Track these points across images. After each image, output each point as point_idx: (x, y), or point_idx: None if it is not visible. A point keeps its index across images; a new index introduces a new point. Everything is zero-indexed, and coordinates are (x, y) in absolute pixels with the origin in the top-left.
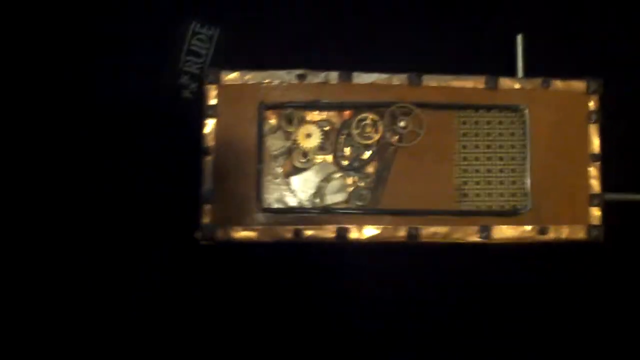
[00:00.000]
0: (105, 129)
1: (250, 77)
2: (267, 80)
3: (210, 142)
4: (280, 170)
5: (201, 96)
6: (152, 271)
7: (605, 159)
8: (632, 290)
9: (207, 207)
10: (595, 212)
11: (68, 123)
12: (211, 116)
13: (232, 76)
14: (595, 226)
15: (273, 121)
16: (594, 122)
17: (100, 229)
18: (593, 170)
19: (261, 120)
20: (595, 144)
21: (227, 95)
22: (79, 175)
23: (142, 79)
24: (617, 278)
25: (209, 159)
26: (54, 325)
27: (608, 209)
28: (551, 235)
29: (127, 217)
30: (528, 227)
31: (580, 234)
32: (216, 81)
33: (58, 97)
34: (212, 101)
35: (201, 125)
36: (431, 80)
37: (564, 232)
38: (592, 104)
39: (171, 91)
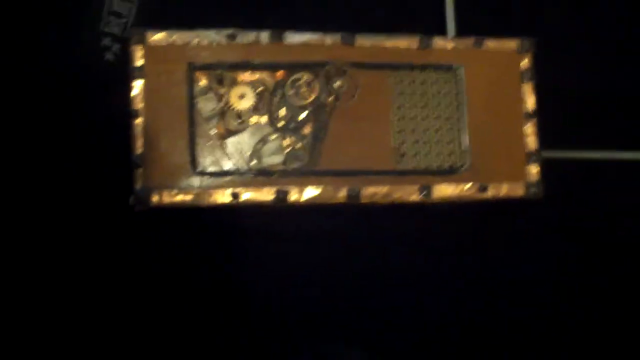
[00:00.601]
0: (28, 98)
1: (178, 37)
2: (195, 40)
3: (138, 104)
4: (213, 132)
5: (125, 58)
6: (86, 239)
7: (542, 117)
8: (570, 245)
9: (140, 172)
10: (533, 169)
11: None
12: (138, 78)
13: (158, 36)
14: (533, 183)
15: (203, 82)
16: (527, 81)
17: (31, 200)
18: (529, 128)
19: (191, 82)
20: (530, 102)
21: (153, 56)
22: (5, 146)
23: (62, 42)
24: (556, 233)
25: (138, 121)
26: None
27: (546, 166)
28: (490, 192)
29: (59, 186)
30: (467, 185)
31: (519, 191)
32: (141, 42)
33: None
34: (139, 62)
35: (128, 88)
36: (364, 40)
37: (503, 190)
38: (525, 63)
39: (93, 54)
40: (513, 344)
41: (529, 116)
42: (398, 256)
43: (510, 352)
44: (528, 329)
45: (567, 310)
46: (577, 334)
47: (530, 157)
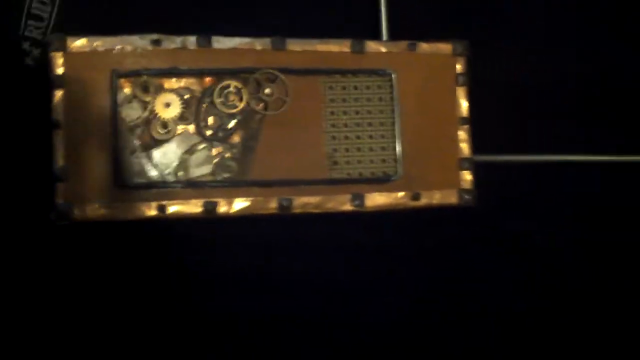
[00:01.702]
0: None
1: (100, 43)
2: (119, 46)
3: (59, 114)
4: (138, 142)
5: (46, 64)
6: (6, 254)
7: (474, 122)
8: (506, 248)
9: (61, 185)
10: (467, 176)
11: None
12: (59, 86)
13: (79, 42)
14: (466, 190)
15: (127, 90)
16: (461, 85)
17: None
18: (462, 134)
19: (114, 90)
20: (464, 107)
21: (75, 64)
22: None
23: None
24: (490, 238)
25: (59, 133)
26: None
27: (480, 171)
28: (424, 200)
29: None
30: (400, 194)
31: (452, 198)
32: (62, 48)
33: None
34: (59, 70)
35: (49, 97)
36: (295, 45)
37: (436, 197)
38: (459, 67)
39: (12, 59)
40: (449, 351)
41: (462, 121)
42: (330, 266)
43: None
44: (461, 337)
45: (503, 318)
46: (512, 341)
47: (463, 163)
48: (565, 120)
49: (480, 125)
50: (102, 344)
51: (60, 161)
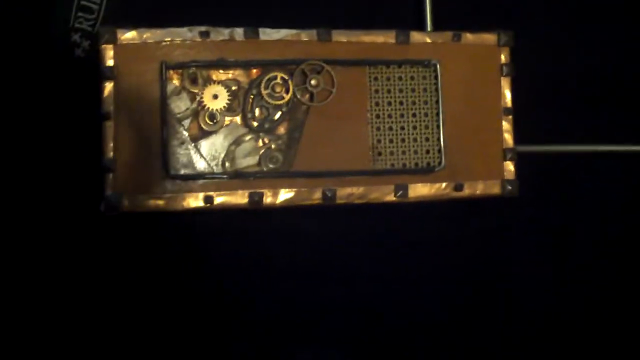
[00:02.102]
0: None
1: (150, 35)
2: (167, 39)
3: (109, 106)
4: (186, 134)
5: (95, 55)
6: (58, 245)
7: (518, 112)
8: (548, 240)
9: (110, 176)
10: (509, 167)
11: None
12: (109, 78)
13: (129, 35)
14: (509, 181)
15: (176, 82)
16: (505, 75)
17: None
18: (506, 124)
19: (163, 82)
20: (507, 97)
21: (125, 56)
22: None
23: (31, 38)
24: (534, 229)
25: (109, 124)
26: None
27: (522, 161)
28: (466, 191)
29: (28, 190)
30: (443, 184)
31: (494, 189)
32: (112, 40)
33: None
34: (109, 62)
35: (99, 88)
36: (341, 36)
37: (479, 188)
38: (503, 57)
39: (63, 50)
40: (495, 341)
41: (506, 112)
42: (377, 255)
43: (492, 348)
44: (508, 326)
45: (547, 307)
46: (557, 331)
47: (506, 154)
48: (610, 109)
49: (524, 115)
50: (152, 331)
51: (109, 152)
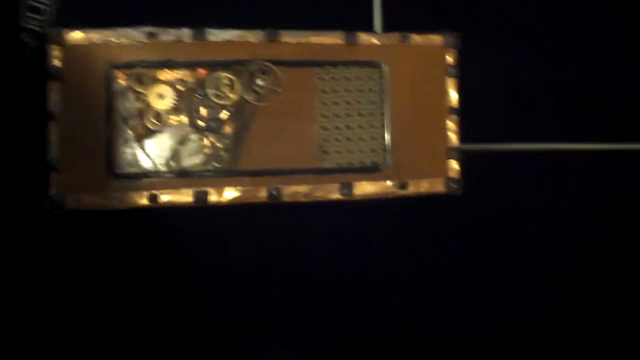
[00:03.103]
0: None
1: (97, 36)
2: (115, 39)
3: (55, 106)
4: (131, 133)
5: (44, 55)
6: (1, 244)
7: (464, 112)
8: (491, 237)
9: (55, 175)
10: (454, 165)
11: None
12: (55, 78)
13: (76, 35)
14: (453, 179)
15: (123, 82)
16: (451, 76)
17: None
18: (451, 124)
19: (110, 81)
20: (453, 97)
21: (72, 56)
22: None
23: None
24: (475, 227)
25: (54, 124)
26: None
27: (467, 160)
28: (411, 189)
29: None
30: (389, 183)
31: (438, 187)
32: (60, 41)
33: None
34: (56, 62)
35: (45, 88)
36: (288, 37)
37: (423, 186)
38: (449, 58)
39: (11, 50)
40: (436, 342)
41: (452, 111)
42: (321, 253)
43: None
44: (449, 325)
45: (490, 307)
46: (495, 331)
47: (451, 153)
48: (553, 109)
49: (469, 115)
50: (94, 333)
51: (54, 152)
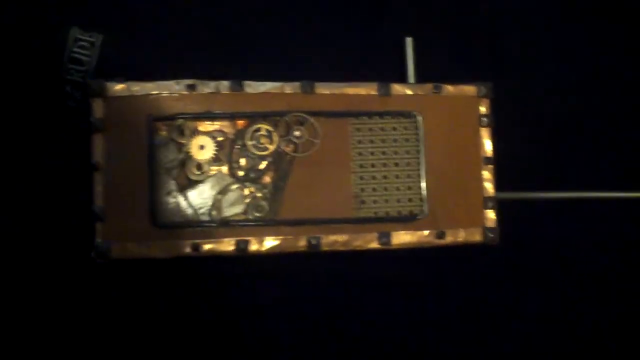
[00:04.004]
0: None
1: (138, 88)
2: (155, 92)
3: (98, 157)
4: (174, 183)
5: (86, 106)
6: (48, 292)
7: (499, 161)
8: (528, 285)
9: (100, 225)
10: (490, 215)
11: None
12: (98, 130)
13: (118, 87)
14: (490, 229)
15: (164, 133)
16: (485, 126)
17: None
18: (486, 174)
19: (151, 133)
20: (488, 147)
21: (114, 108)
22: None
23: (24, 88)
24: (514, 275)
25: (98, 174)
26: None
27: (503, 208)
28: (449, 239)
29: (19, 238)
30: (426, 232)
31: (476, 236)
32: (102, 93)
33: None
34: (98, 114)
35: (89, 139)
36: (324, 88)
37: (461, 236)
38: (483, 108)
39: (55, 101)
40: None
41: (486, 161)
42: (359, 300)
43: None
44: None
45: (527, 354)
46: None
47: (487, 203)
48: (589, 156)
49: (504, 163)
50: None
51: (99, 201)
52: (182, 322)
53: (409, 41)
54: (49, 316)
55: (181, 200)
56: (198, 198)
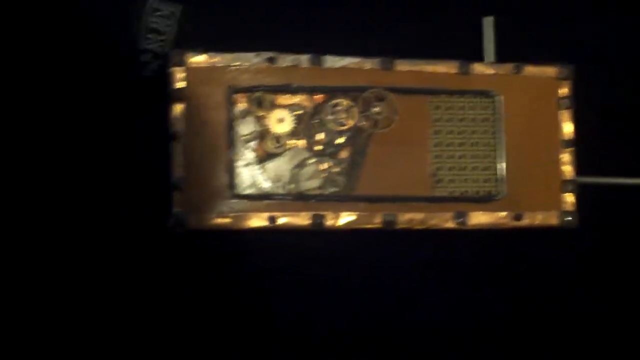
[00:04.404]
0: (66, 115)
1: (218, 59)
2: (235, 63)
3: (178, 126)
4: (252, 155)
5: (164, 76)
6: (124, 262)
7: (579, 144)
8: (606, 273)
9: (178, 195)
10: (569, 198)
11: (22, 107)
12: (178, 100)
13: (198, 58)
14: (568, 212)
15: (243, 105)
16: (565, 108)
17: (66, 221)
18: (566, 156)
19: (230, 105)
20: (567, 129)
21: (194, 78)
22: (38, 166)
23: (102, 58)
24: (591, 261)
25: (177, 144)
26: (22, 319)
27: (582, 193)
28: (526, 221)
29: (96, 206)
30: (503, 213)
31: (553, 219)
32: (182, 63)
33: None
34: (179, 84)
35: (167, 109)
36: (403, 65)
37: (538, 218)
38: (563, 90)
39: (132, 70)
40: None
41: (566, 144)
42: (433, 282)
43: None
44: (564, 357)
45: (604, 338)
46: None
47: (566, 186)
48: None
49: (585, 146)
50: (213, 349)
51: (177, 171)
52: (254, 295)
53: (489, 20)
54: (122, 285)
55: (259, 172)
56: (275, 171)
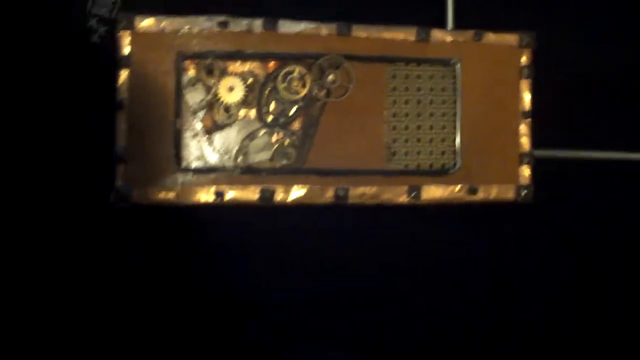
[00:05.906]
0: (6, 81)
1: (167, 23)
2: (185, 28)
3: (123, 94)
4: (200, 126)
5: (111, 42)
6: (65, 236)
7: (537, 116)
8: (559, 247)
9: (122, 167)
10: (525, 171)
11: None
12: (124, 66)
13: (147, 22)
14: (524, 186)
15: (192, 72)
16: (525, 78)
17: (7, 195)
18: (524, 128)
19: (179, 72)
20: (527, 100)
21: (141, 44)
22: None
23: (46, 24)
24: (545, 235)
25: (122, 113)
26: None
27: (538, 165)
28: (480, 195)
29: (36, 180)
30: (457, 187)
31: (509, 193)
32: (130, 27)
33: None
34: (126, 49)
35: (113, 76)
36: (361, 31)
37: (493, 192)
38: (524, 59)
39: (79, 36)
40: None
41: (525, 115)
42: (384, 257)
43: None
44: (516, 331)
45: (557, 314)
46: (566, 337)
47: (523, 158)
48: (632, 116)
49: (542, 119)
50: (158, 327)
51: (122, 142)
52: (199, 272)
53: None
54: (65, 261)
55: (206, 144)
56: (224, 142)
